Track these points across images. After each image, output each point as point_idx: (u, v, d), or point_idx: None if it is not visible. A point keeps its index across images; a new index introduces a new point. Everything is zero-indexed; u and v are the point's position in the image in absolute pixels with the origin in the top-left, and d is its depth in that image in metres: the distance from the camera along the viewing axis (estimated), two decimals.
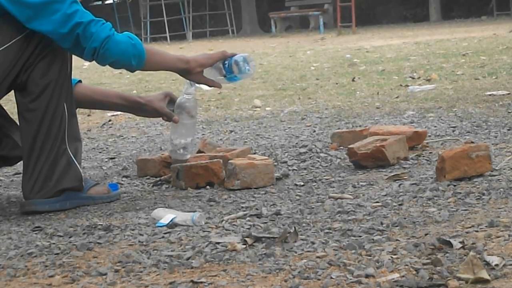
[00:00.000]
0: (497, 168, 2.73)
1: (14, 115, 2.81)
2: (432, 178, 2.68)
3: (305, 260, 1.86)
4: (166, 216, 2.33)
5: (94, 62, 2.61)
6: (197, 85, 2.79)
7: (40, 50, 2.58)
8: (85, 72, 9.88)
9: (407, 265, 1.78)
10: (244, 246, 2.02)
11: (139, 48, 2.59)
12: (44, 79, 2.58)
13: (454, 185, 2.53)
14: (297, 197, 2.58)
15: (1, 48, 2.54)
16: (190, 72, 2.71)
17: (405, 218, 2.19)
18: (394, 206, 2.35)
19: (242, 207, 2.48)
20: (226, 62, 2.73)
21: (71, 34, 2.52)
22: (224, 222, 2.29)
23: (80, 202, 2.69)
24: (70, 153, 2.64)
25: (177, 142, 2.82)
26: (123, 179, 3.14)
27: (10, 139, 2.78)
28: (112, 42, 2.54)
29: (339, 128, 3.96)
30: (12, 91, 2.65)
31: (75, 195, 2.68)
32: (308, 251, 1.94)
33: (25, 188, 2.64)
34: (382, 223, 2.15)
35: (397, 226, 2.12)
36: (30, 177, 2.62)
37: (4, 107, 2.83)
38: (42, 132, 2.59)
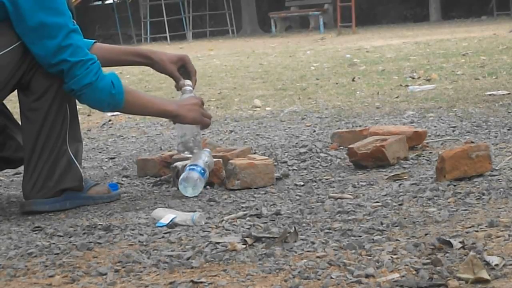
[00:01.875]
0: (497, 168, 2.73)
1: (15, 115, 2.81)
2: (432, 178, 2.68)
3: (305, 260, 1.86)
4: (166, 216, 2.33)
5: None
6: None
7: None
8: None
9: (407, 265, 1.78)
10: (244, 246, 2.02)
11: (117, 98, 2.60)
12: (48, 79, 2.58)
13: (454, 185, 2.53)
14: (297, 197, 2.58)
15: (8, 49, 2.54)
16: (178, 119, 2.76)
17: (405, 218, 2.19)
18: (394, 206, 2.35)
19: (242, 207, 2.48)
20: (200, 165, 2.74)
21: (56, 67, 2.53)
22: (224, 222, 2.29)
23: (80, 202, 2.69)
24: (71, 153, 2.65)
25: (184, 139, 2.81)
26: (123, 179, 3.14)
27: (14, 141, 2.78)
28: (91, 89, 2.55)
29: (339, 128, 3.96)
30: (15, 91, 2.65)
31: (75, 195, 2.68)
32: (308, 251, 1.94)
33: (25, 188, 2.64)
34: (382, 223, 2.15)
35: (397, 226, 2.11)
36: (31, 177, 2.62)
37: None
38: (44, 132, 2.59)
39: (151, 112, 2.76)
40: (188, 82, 2.88)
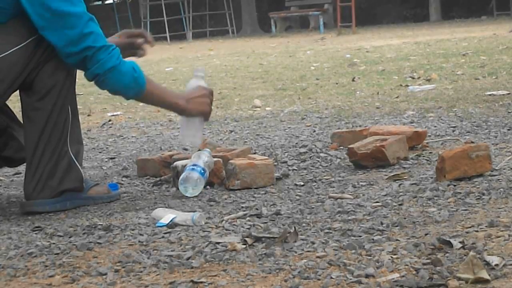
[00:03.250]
0: (497, 168, 2.73)
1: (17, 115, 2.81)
2: (432, 178, 2.68)
3: (305, 260, 1.86)
4: (166, 216, 2.33)
5: None
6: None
7: (50, 50, 2.58)
8: None
9: (407, 265, 1.78)
10: (244, 246, 2.02)
11: (140, 82, 2.61)
12: (52, 78, 2.58)
13: (454, 185, 2.53)
14: (297, 197, 2.58)
15: (17, 48, 2.54)
16: (186, 113, 2.75)
17: (405, 218, 2.19)
18: (394, 206, 2.35)
19: (242, 207, 2.48)
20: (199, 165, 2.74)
21: (80, 55, 2.54)
22: (224, 222, 2.29)
23: (80, 202, 2.69)
24: (72, 155, 2.65)
25: (191, 132, 2.81)
26: (123, 179, 3.14)
27: (15, 141, 2.78)
28: (115, 73, 2.57)
29: (339, 128, 3.96)
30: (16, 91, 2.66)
31: (76, 195, 2.68)
32: (308, 251, 1.94)
33: (27, 188, 2.64)
34: (382, 223, 2.14)
35: (397, 226, 2.11)
36: (33, 177, 2.62)
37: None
38: (46, 132, 2.60)
39: (164, 102, 2.74)
40: (200, 68, 2.87)
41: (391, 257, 1.84)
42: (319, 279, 1.73)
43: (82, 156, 2.73)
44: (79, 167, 2.68)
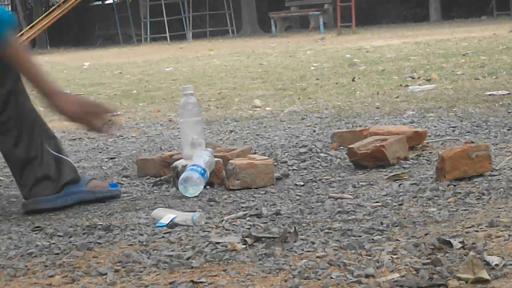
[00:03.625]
0: (497, 168, 2.73)
1: None
2: (432, 178, 2.68)
3: (305, 260, 1.86)
4: (166, 216, 2.33)
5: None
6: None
7: None
8: (84, 72, 9.89)
9: (407, 265, 1.78)
10: (244, 246, 2.02)
11: (4, 26, 2.43)
12: (4, 88, 2.57)
13: (454, 185, 2.53)
14: (297, 197, 2.58)
15: None
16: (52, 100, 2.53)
17: (405, 218, 2.19)
18: (394, 206, 2.35)
19: (242, 207, 2.48)
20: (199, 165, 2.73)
21: None
22: (224, 222, 2.29)
23: (81, 196, 2.68)
24: (51, 150, 2.65)
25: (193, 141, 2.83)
26: (123, 179, 3.14)
27: None
28: None
29: (339, 128, 3.96)
30: None
31: (75, 189, 2.67)
32: (308, 251, 1.94)
33: (24, 190, 2.64)
34: (382, 223, 2.14)
35: (397, 226, 2.11)
36: (28, 179, 2.63)
37: None
38: (24, 136, 2.61)
39: (32, 72, 2.49)
40: (187, 87, 2.89)
41: (391, 257, 1.84)
42: (319, 279, 1.73)
43: (63, 147, 2.74)
44: (67, 158, 2.68)
